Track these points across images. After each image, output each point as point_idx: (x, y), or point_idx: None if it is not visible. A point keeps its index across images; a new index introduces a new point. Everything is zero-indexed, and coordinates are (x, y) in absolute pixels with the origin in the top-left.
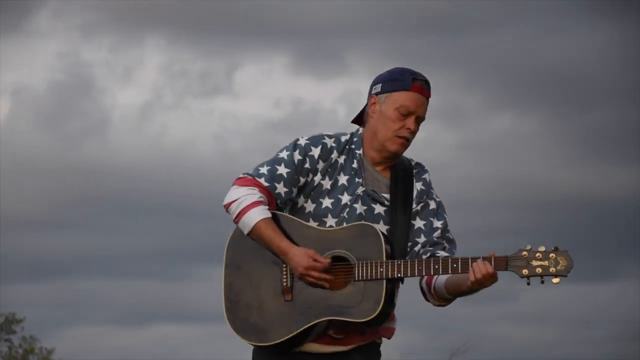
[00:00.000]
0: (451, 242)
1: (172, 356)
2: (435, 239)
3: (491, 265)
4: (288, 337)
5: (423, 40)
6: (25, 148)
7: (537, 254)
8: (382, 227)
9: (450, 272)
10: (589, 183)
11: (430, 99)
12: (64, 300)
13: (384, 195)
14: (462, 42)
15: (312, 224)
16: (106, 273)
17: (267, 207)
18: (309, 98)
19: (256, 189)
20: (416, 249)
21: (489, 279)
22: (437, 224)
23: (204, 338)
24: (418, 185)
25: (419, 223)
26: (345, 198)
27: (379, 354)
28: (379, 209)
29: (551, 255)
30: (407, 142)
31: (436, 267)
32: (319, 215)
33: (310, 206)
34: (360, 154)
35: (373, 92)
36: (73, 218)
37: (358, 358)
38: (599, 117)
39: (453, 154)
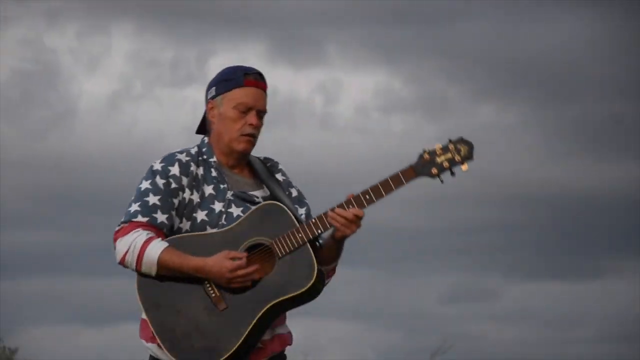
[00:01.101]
0: None
1: (139, 356)
2: None
3: (361, 205)
4: (241, 340)
5: (404, 28)
6: None
7: (438, 151)
8: None
9: (366, 204)
10: (577, 178)
11: (267, 90)
12: (27, 298)
13: (253, 193)
14: (444, 31)
15: (209, 230)
16: (72, 270)
17: (160, 239)
18: (284, 88)
19: (139, 229)
20: None
21: (355, 223)
22: (302, 211)
23: None
24: (279, 176)
25: None
26: (218, 206)
27: None
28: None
29: (450, 146)
30: (253, 138)
31: (350, 205)
32: (197, 230)
33: (185, 224)
34: (214, 162)
35: (209, 97)
36: (37, 213)
37: None
38: (587, 108)
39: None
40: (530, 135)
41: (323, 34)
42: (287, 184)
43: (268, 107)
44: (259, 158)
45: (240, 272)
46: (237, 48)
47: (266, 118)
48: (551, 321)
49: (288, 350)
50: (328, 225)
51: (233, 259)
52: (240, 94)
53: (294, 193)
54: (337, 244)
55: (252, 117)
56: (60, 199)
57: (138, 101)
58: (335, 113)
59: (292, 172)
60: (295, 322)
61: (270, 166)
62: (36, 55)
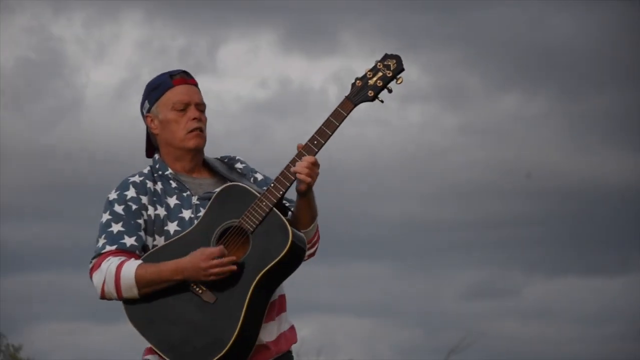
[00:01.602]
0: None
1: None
2: None
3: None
4: (239, 324)
5: (422, 15)
6: None
7: (368, 74)
8: None
9: (315, 149)
10: (602, 170)
11: (199, 85)
12: (32, 294)
13: (218, 190)
14: (464, 18)
15: (176, 233)
16: (79, 266)
17: (132, 259)
18: (297, 77)
19: (110, 257)
20: None
21: (314, 170)
22: None
23: None
24: (238, 166)
25: None
26: (187, 214)
27: None
28: None
29: (378, 65)
30: (200, 131)
31: (302, 156)
32: None
33: (159, 240)
34: (171, 173)
35: (145, 112)
36: (43, 206)
37: None
38: (614, 98)
39: (454, 138)
40: (555, 126)
41: (338, 22)
42: (249, 170)
43: (284, 97)
44: (216, 158)
45: (214, 261)
46: (249, 36)
47: (280, 107)
48: (575, 318)
49: (301, 347)
50: (287, 183)
51: (208, 253)
52: (173, 94)
53: (260, 177)
54: (304, 201)
55: (192, 112)
56: (68, 191)
57: None
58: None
59: None
60: (310, 318)
61: (228, 161)
62: (42, 44)
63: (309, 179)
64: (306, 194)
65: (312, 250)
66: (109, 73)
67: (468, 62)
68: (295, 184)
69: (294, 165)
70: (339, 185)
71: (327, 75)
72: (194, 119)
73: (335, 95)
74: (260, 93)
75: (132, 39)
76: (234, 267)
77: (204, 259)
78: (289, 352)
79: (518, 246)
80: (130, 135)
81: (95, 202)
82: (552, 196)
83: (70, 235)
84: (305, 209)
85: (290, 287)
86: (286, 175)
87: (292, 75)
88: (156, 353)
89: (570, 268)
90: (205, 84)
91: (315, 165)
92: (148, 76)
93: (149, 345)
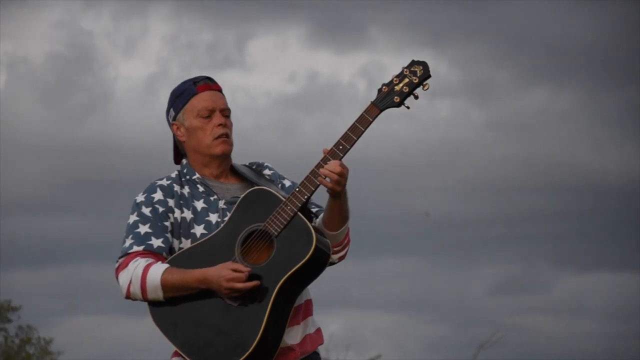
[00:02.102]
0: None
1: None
2: None
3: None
4: (262, 327)
5: (449, 10)
6: (21, 125)
7: (394, 80)
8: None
9: (341, 154)
10: (632, 165)
11: (221, 94)
12: (64, 288)
13: (243, 194)
14: (492, 13)
15: (203, 236)
16: (109, 259)
17: (159, 262)
18: (325, 72)
19: (137, 258)
20: None
21: (342, 174)
22: None
23: None
24: (266, 172)
25: None
26: (214, 217)
27: None
28: None
29: (405, 72)
30: (227, 137)
31: (327, 160)
32: None
33: (186, 243)
34: (198, 178)
35: (170, 120)
36: (73, 201)
37: None
38: None
39: (482, 133)
40: (585, 120)
41: (366, 17)
42: (277, 177)
43: (312, 91)
44: (244, 164)
45: (238, 285)
46: (277, 31)
47: (307, 102)
48: (606, 313)
49: (329, 343)
50: (312, 188)
51: (235, 270)
52: (198, 101)
53: (288, 183)
54: (336, 203)
55: (217, 118)
56: (97, 185)
57: (175, 85)
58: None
59: None
60: (338, 313)
61: (256, 167)
62: (72, 39)
63: (334, 186)
64: (337, 197)
65: (342, 253)
66: (137, 67)
67: (496, 57)
68: (325, 186)
69: (319, 170)
70: (367, 181)
71: (355, 69)
72: (220, 125)
73: (364, 89)
74: (289, 87)
75: (160, 34)
76: (256, 284)
77: (228, 279)
78: (316, 353)
79: (548, 241)
80: (158, 129)
81: (125, 196)
82: (581, 191)
83: (99, 229)
84: (336, 211)
85: (319, 282)
86: (311, 180)
87: (320, 69)
88: (182, 356)
89: (601, 263)
90: (233, 79)
91: (342, 168)
92: (176, 71)
93: (175, 349)
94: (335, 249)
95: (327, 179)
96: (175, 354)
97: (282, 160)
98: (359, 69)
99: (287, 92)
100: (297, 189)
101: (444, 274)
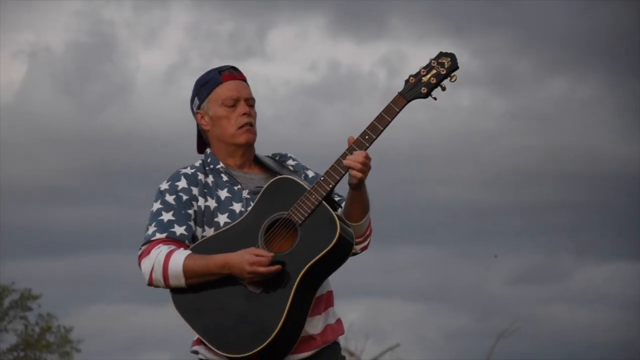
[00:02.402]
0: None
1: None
2: None
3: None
4: (284, 315)
5: (471, 0)
6: (42, 114)
7: (422, 71)
8: None
9: (367, 144)
10: None
11: (247, 81)
12: (84, 276)
13: (268, 183)
14: (513, 2)
15: (226, 225)
16: (129, 248)
17: (182, 249)
18: (346, 61)
19: (160, 245)
20: None
21: (366, 164)
22: None
23: None
24: (290, 163)
25: None
26: (237, 207)
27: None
28: None
29: (432, 63)
30: (250, 126)
31: (353, 150)
32: None
33: (209, 232)
34: (222, 167)
35: (195, 109)
36: (94, 190)
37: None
38: None
39: (503, 122)
40: (606, 110)
41: (387, 6)
42: (301, 167)
43: (333, 81)
44: (267, 155)
45: (261, 269)
46: (298, 21)
47: (328, 92)
48: (625, 303)
49: (349, 332)
50: (337, 177)
51: (257, 255)
52: (223, 90)
53: (311, 174)
54: (357, 194)
55: (242, 107)
56: (118, 174)
57: (195, 75)
58: (399, 87)
59: None
60: (357, 303)
61: (280, 158)
62: (93, 28)
63: (360, 174)
64: (358, 188)
65: (364, 244)
66: (158, 57)
67: (517, 46)
68: (347, 177)
69: (345, 159)
70: (387, 170)
71: (376, 59)
72: (244, 114)
73: (384, 78)
74: (309, 77)
75: (181, 23)
76: (279, 269)
77: (250, 263)
78: (336, 343)
79: (568, 231)
80: (179, 118)
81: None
82: (603, 181)
83: (119, 218)
84: (358, 202)
85: (339, 272)
86: (336, 169)
87: (340, 59)
88: (204, 344)
89: (621, 253)
90: (254, 68)
91: (367, 159)
92: (197, 60)
93: (197, 336)
94: (357, 239)
95: (352, 167)
96: (197, 342)
97: (302, 150)
98: (380, 58)
99: (307, 81)
100: (321, 178)
101: (463, 263)
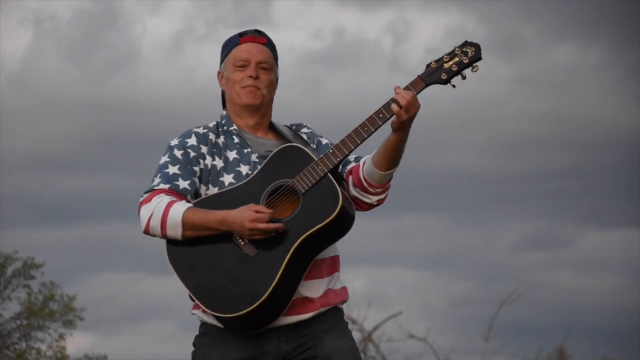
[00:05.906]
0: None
1: None
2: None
3: (411, 91)
4: (276, 279)
5: None
6: (47, 82)
7: (445, 58)
8: None
9: (379, 122)
10: None
11: (267, 44)
12: (87, 245)
13: (276, 149)
14: None
15: (231, 185)
16: (134, 217)
17: (183, 201)
18: (352, 28)
19: (162, 194)
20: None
21: (413, 104)
22: None
23: None
24: (303, 131)
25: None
26: (244, 169)
27: (344, 322)
28: None
29: (456, 51)
30: (255, 89)
31: (365, 128)
32: None
33: (212, 190)
34: (235, 129)
35: (218, 71)
36: (99, 158)
37: (322, 325)
38: None
39: (509, 88)
40: (612, 77)
41: None
42: (314, 135)
43: (338, 48)
44: (284, 125)
45: (261, 225)
46: None
47: (333, 60)
48: (629, 270)
49: (352, 300)
50: (345, 151)
51: (257, 212)
52: (237, 52)
53: (324, 141)
54: (394, 139)
55: (250, 70)
56: (123, 142)
57: (200, 42)
58: (405, 54)
59: (359, 115)
60: (361, 270)
61: (295, 127)
62: None
63: (401, 112)
64: (400, 130)
65: (382, 196)
66: (164, 24)
67: (524, 12)
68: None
69: (357, 134)
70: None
71: (382, 26)
72: (250, 76)
73: (389, 46)
74: (314, 44)
75: None
76: (280, 227)
77: (251, 219)
78: (338, 308)
79: (572, 197)
80: (185, 86)
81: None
82: (607, 147)
83: (124, 187)
84: (392, 149)
85: (342, 240)
86: (346, 144)
87: (346, 26)
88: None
89: (624, 220)
90: None
91: (413, 101)
92: (203, 28)
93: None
94: (377, 189)
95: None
96: (196, 306)
97: (307, 118)
98: (385, 25)
99: (312, 48)
100: (330, 151)
101: (468, 230)
